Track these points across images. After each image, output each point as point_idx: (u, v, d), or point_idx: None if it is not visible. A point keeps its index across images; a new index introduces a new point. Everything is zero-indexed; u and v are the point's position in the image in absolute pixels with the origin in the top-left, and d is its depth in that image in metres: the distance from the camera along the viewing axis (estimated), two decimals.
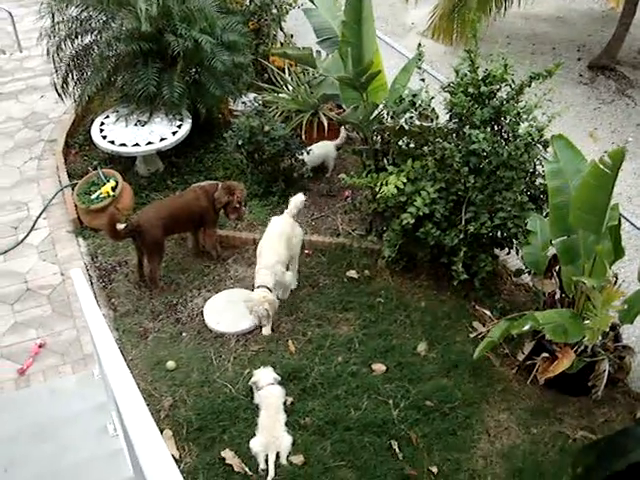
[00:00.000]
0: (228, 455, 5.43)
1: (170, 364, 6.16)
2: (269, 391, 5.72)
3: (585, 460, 3.70)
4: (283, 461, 5.39)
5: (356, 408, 5.82)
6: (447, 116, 6.66)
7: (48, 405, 5.26)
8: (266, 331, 6.44)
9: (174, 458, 4.83)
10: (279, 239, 6.59)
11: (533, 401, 5.97)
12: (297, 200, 6.90)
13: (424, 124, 6.64)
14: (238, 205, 7.07)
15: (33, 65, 10.68)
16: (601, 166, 4.94)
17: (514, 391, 6.04)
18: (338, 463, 5.42)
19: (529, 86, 6.39)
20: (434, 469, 5.40)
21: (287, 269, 6.72)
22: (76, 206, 7.75)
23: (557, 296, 6.11)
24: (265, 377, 5.82)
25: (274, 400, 5.68)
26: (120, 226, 6.81)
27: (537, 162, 6.48)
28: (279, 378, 5.88)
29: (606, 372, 5.59)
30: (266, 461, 5.36)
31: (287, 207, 6.94)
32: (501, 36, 11.26)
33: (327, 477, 5.32)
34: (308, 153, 7.95)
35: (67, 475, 4.27)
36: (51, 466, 4.41)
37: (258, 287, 6.38)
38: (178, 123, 8.19)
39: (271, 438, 5.45)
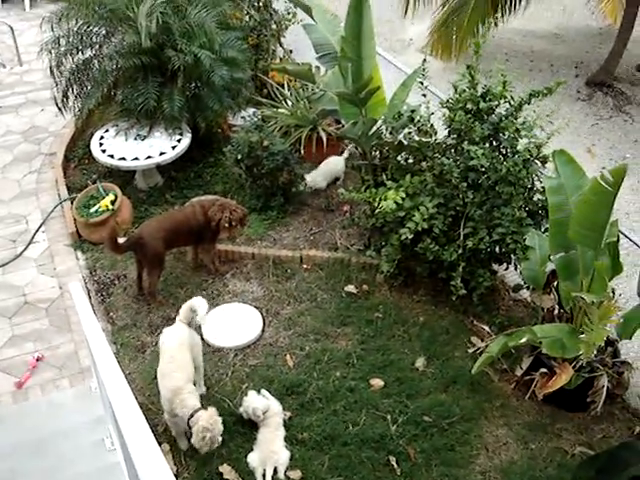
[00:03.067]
0: (225, 470, 5.40)
1: None
2: (270, 409, 5.68)
3: (585, 474, 3.69)
4: (281, 476, 5.36)
5: (354, 423, 5.81)
6: (446, 132, 6.68)
7: (46, 419, 5.27)
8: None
9: None
10: (180, 351, 5.48)
11: (531, 416, 5.96)
12: (192, 303, 5.69)
13: (423, 140, 6.66)
14: (227, 225, 6.93)
15: (33, 79, 10.72)
16: (602, 183, 4.95)
17: (512, 406, 6.03)
18: (336, 478, 5.41)
19: (528, 103, 6.41)
20: None
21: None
22: (75, 219, 7.75)
23: (556, 312, 6.11)
24: (259, 401, 5.72)
25: (274, 417, 5.65)
26: (121, 239, 6.81)
27: (535, 178, 6.50)
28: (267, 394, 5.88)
29: (605, 388, 5.58)
30: (264, 476, 5.33)
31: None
32: (500, 53, 11.37)
33: None
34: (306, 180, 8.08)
35: None
36: None
37: (197, 411, 5.16)
38: (177, 137, 8.21)
39: (269, 453, 5.43)
